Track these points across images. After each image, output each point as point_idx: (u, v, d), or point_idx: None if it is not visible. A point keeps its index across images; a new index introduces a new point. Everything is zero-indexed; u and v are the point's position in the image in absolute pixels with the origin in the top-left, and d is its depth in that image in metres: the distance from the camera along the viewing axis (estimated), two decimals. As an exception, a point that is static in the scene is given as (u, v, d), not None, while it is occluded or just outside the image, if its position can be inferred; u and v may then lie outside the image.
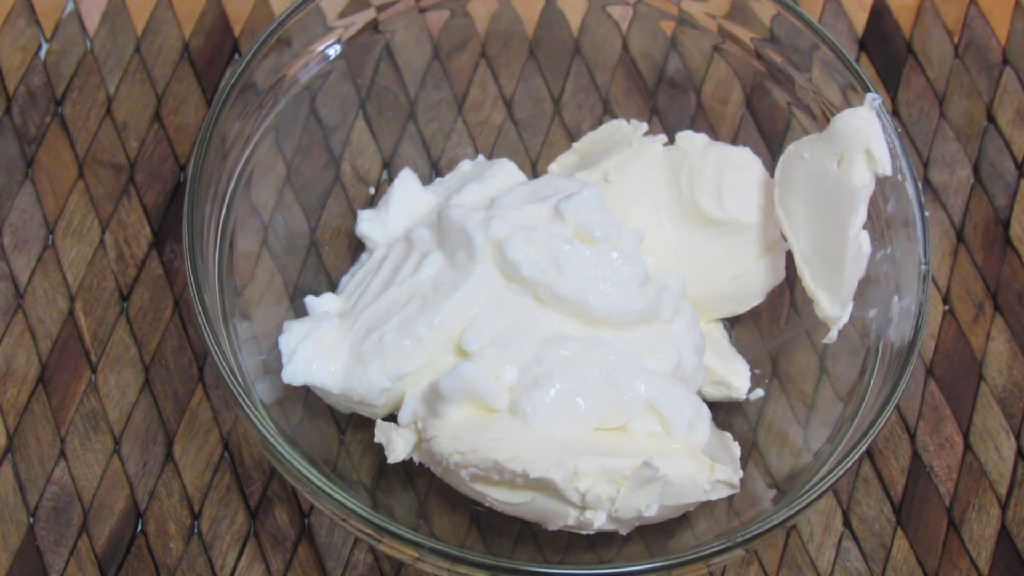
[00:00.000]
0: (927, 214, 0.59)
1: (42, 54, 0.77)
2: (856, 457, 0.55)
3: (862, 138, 0.60)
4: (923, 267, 0.58)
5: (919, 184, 0.60)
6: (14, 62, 0.76)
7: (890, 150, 0.60)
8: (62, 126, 0.75)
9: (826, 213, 0.62)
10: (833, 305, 0.63)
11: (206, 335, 0.56)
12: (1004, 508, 0.68)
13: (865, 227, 0.60)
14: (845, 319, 0.63)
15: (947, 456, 0.69)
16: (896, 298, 0.60)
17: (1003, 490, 0.68)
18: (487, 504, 0.58)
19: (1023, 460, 0.69)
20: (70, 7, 0.78)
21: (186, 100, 0.76)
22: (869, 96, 0.61)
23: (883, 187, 0.62)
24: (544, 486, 0.56)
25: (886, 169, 0.60)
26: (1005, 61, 0.78)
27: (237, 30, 0.78)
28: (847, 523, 0.67)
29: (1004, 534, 0.67)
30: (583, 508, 0.56)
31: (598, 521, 0.56)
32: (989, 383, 0.70)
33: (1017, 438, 0.69)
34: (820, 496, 0.55)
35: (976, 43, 0.78)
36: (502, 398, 0.58)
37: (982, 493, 0.68)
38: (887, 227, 0.62)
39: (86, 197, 0.73)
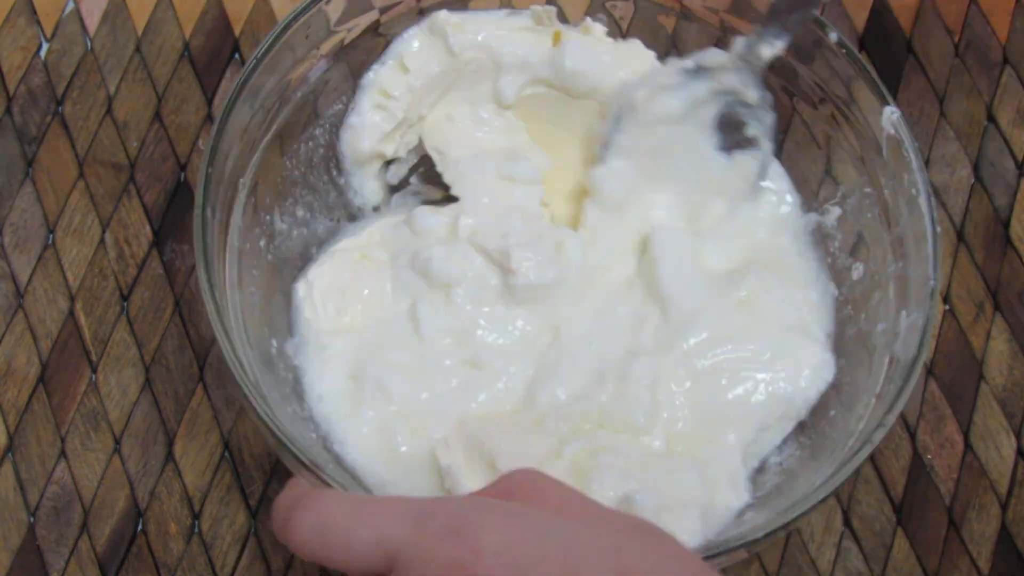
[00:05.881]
0: (938, 230, 0.59)
1: (42, 53, 0.77)
2: (858, 463, 0.55)
3: None
4: (931, 283, 0.58)
5: (932, 200, 0.59)
6: (14, 61, 0.76)
7: (909, 164, 0.60)
8: (62, 126, 0.75)
9: None
10: None
11: (220, 334, 0.55)
12: (1004, 508, 0.68)
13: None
14: None
15: (947, 456, 0.69)
16: (904, 313, 0.60)
17: (1003, 490, 0.68)
18: None
19: (1023, 460, 0.69)
20: (70, 6, 0.78)
21: (186, 100, 0.76)
22: (888, 109, 0.61)
23: (898, 201, 0.61)
24: None
25: None
26: (1005, 61, 0.78)
27: (237, 30, 0.78)
28: (847, 523, 0.67)
29: (1004, 533, 0.67)
30: None
31: None
32: (990, 383, 0.70)
33: (1017, 438, 0.69)
34: (822, 501, 0.54)
35: (976, 43, 0.79)
36: None
37: (982, 493, 0.68)
38: (899, 242, 0.61)
39: (86, 197, 0.73)
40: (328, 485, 0.53)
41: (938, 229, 0.59)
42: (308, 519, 0.45)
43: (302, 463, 0.52)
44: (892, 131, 0.61)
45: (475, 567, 0.41)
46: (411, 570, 0.42)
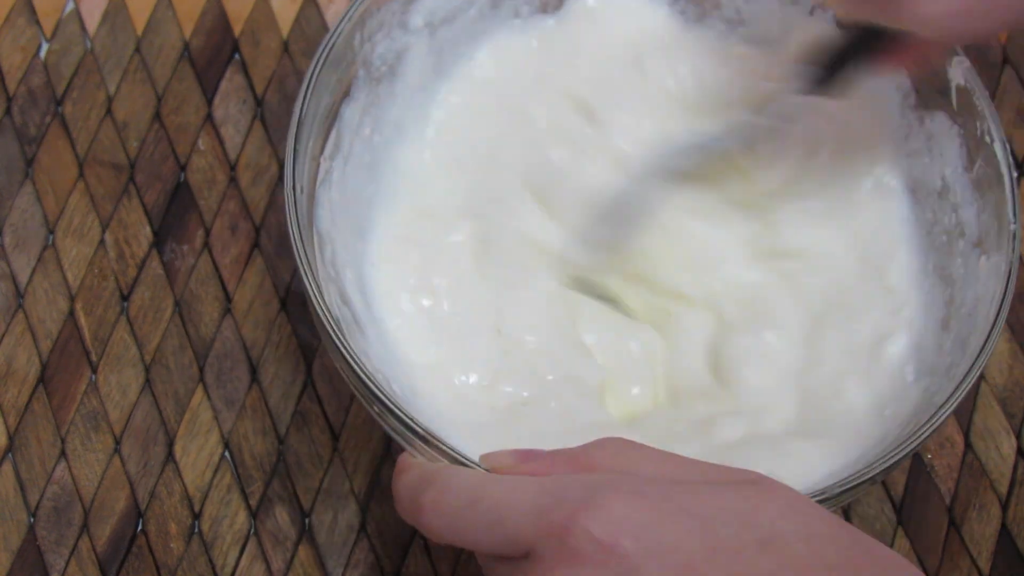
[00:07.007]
0: (1015, 174, 0.59)
1: (42, 54, 0.77)
2: (935, 425, 0.55)
3: None
4: (1012, 226, 0.58)
5: (1007, 145, 0.59)
6: (14, 62, 0.76)
7: (979, 111, 0.60)
8: (62, 126, 0.75)
9: None
10: None
11: (309, 284, 0.55)
12: (1004, 507, 0.68)
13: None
14: None
15: (947, 456, 0.69)
16: (984, 258, 0.60)
17: (1003, 489, 0.68)
18: None
19: (1023, 460, 0.69)
20: (70, 6, 0.78)
21: (186, 100, 0.76)
22: (956, 59, 0.60)
23: (970, 148, 0.61)
24: None
25: None
26: (1005, 61, 0.78)
27: (237, 30, 0.78)
28: (848, 522, 0.67)
29: (1004, 533, 0.67)
30: None
31: None
32: (990, 382, 0.70)
33: (1018, 437, 0.69)
34: (897, 462, 0.54)
35: (976, 43, 0.78)
36: None
37: (982, 492, 0.68)
38: (974, 187, 0.61)
39: (86, 197, 0.73)
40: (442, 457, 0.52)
41: (1015, 173, 0.59)
42: (435, 506, 0.46)
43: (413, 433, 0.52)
44: (962, 81, 0.60)
45: (615, 554, 0.41)
46: (547, 562, 0.42)
